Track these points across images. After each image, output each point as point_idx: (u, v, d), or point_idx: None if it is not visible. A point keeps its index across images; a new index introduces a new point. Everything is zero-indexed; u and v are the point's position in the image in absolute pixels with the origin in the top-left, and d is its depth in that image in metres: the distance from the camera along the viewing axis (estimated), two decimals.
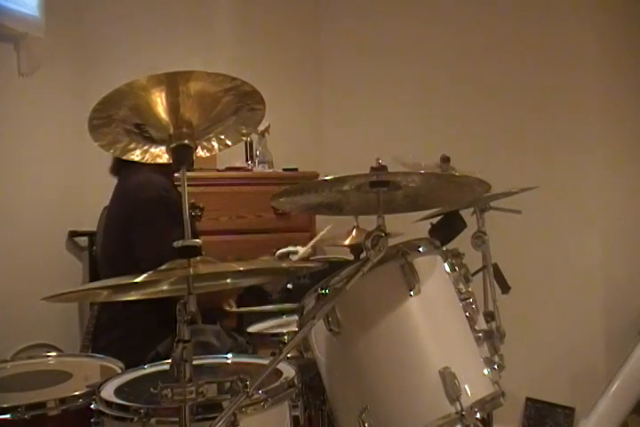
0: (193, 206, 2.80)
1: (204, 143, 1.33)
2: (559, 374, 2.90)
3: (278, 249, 2.61)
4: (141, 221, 2.06)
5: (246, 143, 3.27)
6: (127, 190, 2.15)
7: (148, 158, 1.34)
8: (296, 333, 1.34)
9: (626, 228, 2.88)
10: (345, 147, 3.50)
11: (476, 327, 1.55)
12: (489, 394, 1.43)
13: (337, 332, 1.41)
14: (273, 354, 1.85)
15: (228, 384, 1.26)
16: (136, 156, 1.33)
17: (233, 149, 1.47)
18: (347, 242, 2.32)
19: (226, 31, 3.43)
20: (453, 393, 1.34)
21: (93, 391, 1.39)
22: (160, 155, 1.32)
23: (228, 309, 2.25)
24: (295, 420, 1.42)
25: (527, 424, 2.97)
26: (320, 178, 1.42)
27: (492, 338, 1.70)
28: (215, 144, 1.36)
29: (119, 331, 2.06)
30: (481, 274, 1.98)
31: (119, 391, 1.40)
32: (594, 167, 2.89)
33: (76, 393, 1.42)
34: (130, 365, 1.60)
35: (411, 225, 1.99)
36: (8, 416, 1.34)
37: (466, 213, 2.04)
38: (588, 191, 2.90)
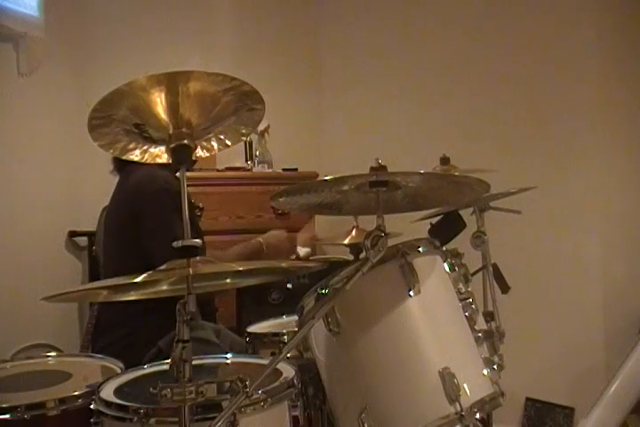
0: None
1: (204, 143, 1.33)
2: (559, 374, 2.90)
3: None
4: (149, 216, 2.04)
5: (246, 143, 3.27)
6: (130, 187, 2.13)
7: (147, 158, 1.34)
8: (296, 333, 1.33)
9: (625, 227, 2.88)
10: (344, 147, 3.50)
11: (476, 327, 1.56)
12: (488, 394, 1.43)
13: (336, 332, 1.41)
14: (273, 354, 1.85)
15: (227, 384, 1.26)
16: (135, 156, 1.32)
17: (232, 149, 1.47)
18: (346, 242, 2.32)
19: (225, 31, 3.43)
20: (453, 393, 1.34)
21: (93, 391, 1.39)
22: (160, 155, 1.32)
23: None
24: (295, 420, 1.42)
25: (527, 424, 2.97)
26: (320, 178, 1.42)
27: (491, 338, 1.70)
28: (215, 144, 1.35)
29: (119, 331, 2.06)
30: (480, 274, 1.99)
31: (119, 391, 1.40)
32: (593, 167, 2.89)
33: (76, 393, 1.42)
34: (130, 365, 1.60)
35: (410, 225, 1.99)
36: (8, 416, 1.34)
37: (465, 213, 2.05)
38: (587, 191, 2.90)
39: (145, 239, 2.01)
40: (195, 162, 2.09)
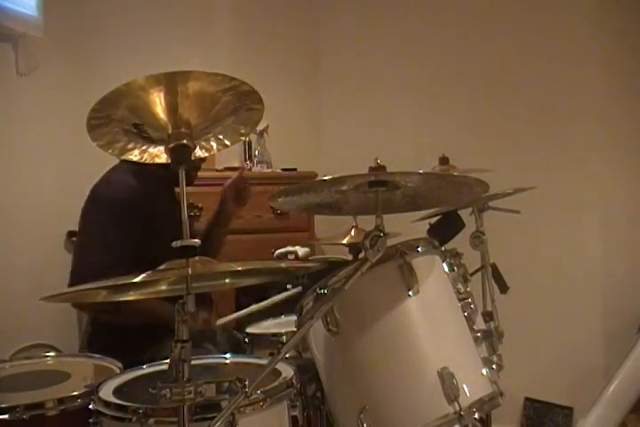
0: (191, 206, 2.79)
1: (203, 143, 1.33)
2: (558, 374, 2.90)
3: (277, 249, 2.61)
4: (80, 230, 2.06)
5: (245, 143, 3.27)
6: (90, 194, 2.11)
7: (146, 158, 1.34)
8: (295, 333, 1.34)
9: (625, 227, 2.88)
10: (344, 147, 3.50)
11: (475, 327, 1.56)
12: (487, 394, 1.43)
13: (335, 332, 1.41)
14: (271, 354, 1.85)
15: (226, 384, 1.26)
16: (134, 156, 1.32)
17: (232, 149, 1.47)
18: (345, 242, 2.32)
19: (225, 31, 3.43)
20: (452, 393, 1.34)
21: (92, 391, 1.39)
22: (159, 155, 1.32)
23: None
24: (294, 420, 1.43)
25: (526, 424, 2.97)
26: (319, 178, 1.43)
27: (490, 338, 1.70)
28: (214, 144, 1.35)
29: (117, 331, 2.05)
30: (479, 274, 1.99)
31: (117, 391, 1.40)
32: (593, 167, 2.89)
33: (75, 393, 1.42)
34: (128, 365, 1.60)
35: (409, 225, 1.99)
36: (7, 416, 1.34)
37: (464, 213, 2.04)
38: (586, 191, 2.90)
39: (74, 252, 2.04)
40: (202, 162, 2.05)
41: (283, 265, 1.51)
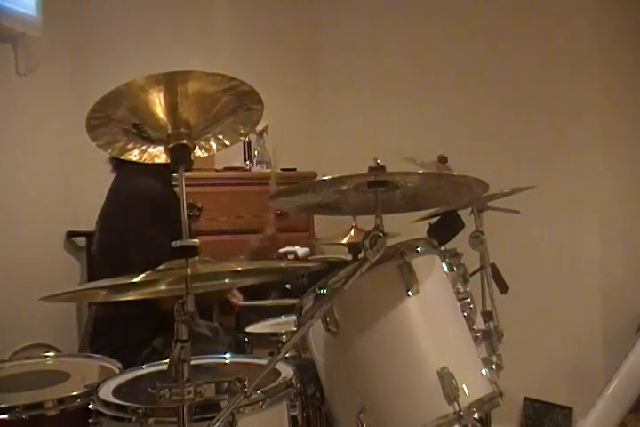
0: (191, 206, 2.79)
1: (203, 143, 1.33)
2: (557, 374, 2.90)
3: (277, 249, 2.61)
4: (131, 228, 2.07)
5: (244, 143, 3.27)
6: (118, 196, 2.13)
7: (146, 158, 1.34)
8: (294, 333, 1.34)
9: (624, 227, 2.88)
10: (343, 147, 3.50)
11: (474, 327, 1.56)
12: (487, 394, 1.43)
13: (335, 332, 1.41)
14: (271, 354, 1.85)
15: (226, 384, 1.26)
16: (134, 155, 1.32)
17: (231, 149, 1.47)
18: (345, 242, 2.32)
19: (224, 31, 3.43)
20: (451, 393, 1.34)
21: (91, 392, 1.39)
22: (158, 155, 1.32)
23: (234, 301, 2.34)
24: (293, 420, 1.43)
25: (525, 424, 2.97)
26: (318, 178, 1.43)
27: (490, 338, 1.70)
28: (213, 144, 1.35)
29: (117, 331, 2.05)
30: (479, 274, 1.98)
31: (117, 391, 1.40)
32: (592, 167, 2.89)
33: (74, 393, 1.42)
34: (128, 365, 1.60)
35: (409, 225, 1.99)
36: (6, 417, 1.34)
37: (464, 213, 2.04)
38: (586, 191, 2.90)
39: (128, 251, 2.03)
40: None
41: (282, 265, 1.51)
